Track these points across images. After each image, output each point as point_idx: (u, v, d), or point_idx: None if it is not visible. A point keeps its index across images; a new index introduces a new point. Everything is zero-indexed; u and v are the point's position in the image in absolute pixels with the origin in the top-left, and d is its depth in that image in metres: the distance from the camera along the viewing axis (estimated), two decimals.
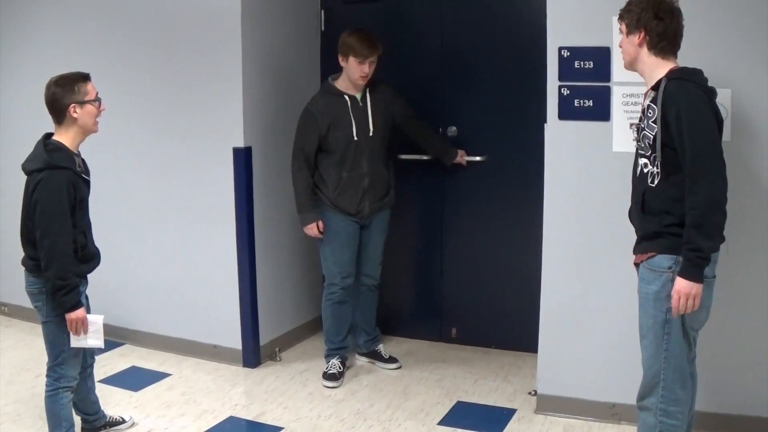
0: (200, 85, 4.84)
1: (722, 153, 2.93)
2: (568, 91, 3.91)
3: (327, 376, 4.70)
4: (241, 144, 4.73)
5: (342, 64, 4.51)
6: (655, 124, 2.97)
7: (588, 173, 3.92)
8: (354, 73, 4.48)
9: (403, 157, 5.09)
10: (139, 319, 5.25)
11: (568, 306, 4.06)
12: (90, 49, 5.17)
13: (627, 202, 3.26)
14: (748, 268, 3.69)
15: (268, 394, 4.52)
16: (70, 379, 3.56)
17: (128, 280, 5.22)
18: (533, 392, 4.33)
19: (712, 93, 3.00)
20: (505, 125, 4.90)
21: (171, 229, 5.10)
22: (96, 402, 3.92)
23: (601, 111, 3.85)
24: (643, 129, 3.07)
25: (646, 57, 3.06)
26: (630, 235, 3.22)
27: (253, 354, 4.92)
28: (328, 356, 4.80)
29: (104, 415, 3.97)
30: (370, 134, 4.57)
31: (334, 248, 4.66)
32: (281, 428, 4.11)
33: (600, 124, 3.86)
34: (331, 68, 5.09)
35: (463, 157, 4.91)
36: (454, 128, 5.01)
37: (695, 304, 2.93)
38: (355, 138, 4.52)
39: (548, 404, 4.16)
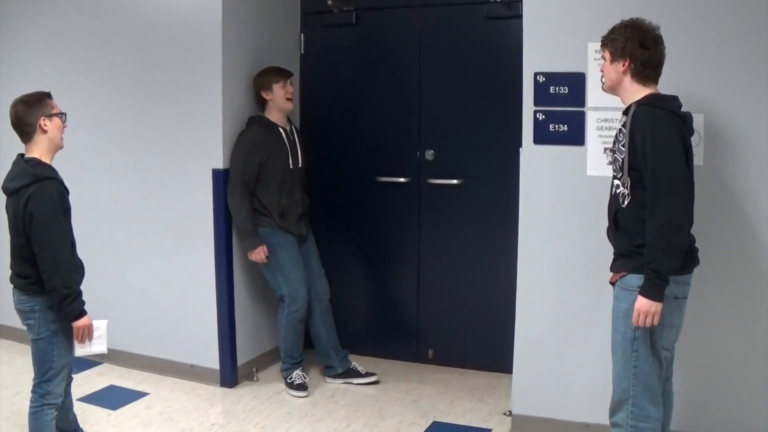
0: (180, 106, 4.87)
1: (685, 177, 3.00)
2: (544, 116, 3.98)
3: (296, 387, 4.77)
4: (220, 166, 4.76)
5: (267, 98, 4.77)
6: (624, 147, 3.05)
7: (562, 197, 3.99)
8: (281, 98, 4.75)
9: (382, 179, 5.15)
10: (117, 338, 5.16)
11: (543, 327, 4.11)
12: (67, 71, 5.20)
13: (601, 225, 3.32)
14: (723, 289, 3.75)
15: (246, 414, 4.53)
16: (56, 396, 3.55)
17: (107, 300, 5.17)
18: (508, 413, 4.37)
19: (684, 119, 3.07)
20: (481, 149, 4.97)
21: (150, 250, 5.11)
22: (74, 420, 3.91)
23: (575, 136, 3.92)
24: (615, 152, 3.16)
25: (628, 84, 3.14)
26: (604, 257, 3.29)
27: (230, 374, 4.93)
28: (289, 369, 4.85)
29: None
30: (300, 165, 4.83)
31: (292, 265, 4.77)
32: None
33: (574, 149, 3.93)
34: (310, 91, 5.20)
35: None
36: (432, 151, 5.07)
37: (654, 321, 3.00)
38: (291, 167, 4.76)
39: (523, 424, 4.19)
